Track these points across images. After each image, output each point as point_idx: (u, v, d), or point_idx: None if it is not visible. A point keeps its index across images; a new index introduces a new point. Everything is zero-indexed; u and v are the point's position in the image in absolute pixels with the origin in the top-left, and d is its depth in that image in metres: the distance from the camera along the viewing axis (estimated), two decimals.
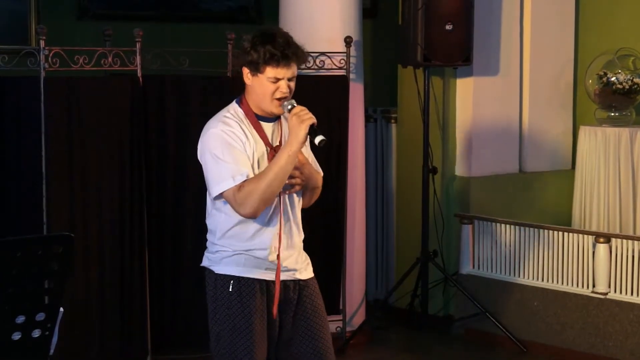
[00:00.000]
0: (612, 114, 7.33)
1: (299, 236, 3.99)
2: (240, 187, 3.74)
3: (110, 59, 5.52)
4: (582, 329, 6.28)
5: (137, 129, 5.62)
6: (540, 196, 7.39)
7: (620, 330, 6.11)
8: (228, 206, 3.84)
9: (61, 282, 3.08)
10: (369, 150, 7.40)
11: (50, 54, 5.26)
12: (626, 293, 6.12)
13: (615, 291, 6.17)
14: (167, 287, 5.86)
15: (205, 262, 3.97)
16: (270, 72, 3.81)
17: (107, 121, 5.51)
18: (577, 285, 6.32)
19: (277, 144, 3.90)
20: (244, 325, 3.85)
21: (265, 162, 3.84)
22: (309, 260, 4.06)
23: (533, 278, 6.53)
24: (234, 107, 3.92)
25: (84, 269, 5.40)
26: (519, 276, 6.59)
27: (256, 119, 3.89)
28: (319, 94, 6.33)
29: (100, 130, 5.48)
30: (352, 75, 6.46)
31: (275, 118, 3.94)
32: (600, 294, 6.20)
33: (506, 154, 7.32)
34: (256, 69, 3.82)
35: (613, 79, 7.20)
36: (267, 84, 3.83)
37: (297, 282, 3.97)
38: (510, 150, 7.34)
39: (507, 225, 6.67)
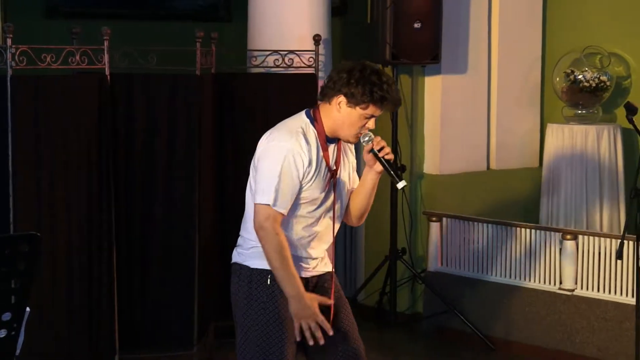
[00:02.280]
0: (579, 112, 7.38)
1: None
2: (274, 217, 3.77)
3: (77, 58, 5.49)
4: (549, 326, 6.32)
5: (105, 127, 5.60)
6: (508, 194, 7.43)
7: (587, 327, 6.16)
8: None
9: (28, 281, 3.06)
10: None
11: (17, 52, 5.22)
12: (593, 290, 6.16)
13: (582, 288, 6.21)
14: (135, 286, 5.85)
15: (237, 259, 3.98)
16: (371, 110, 3.82)
17: (75, 120, 5.48)
18: (545, 282, 6.37)
19: (335, 167, 3.92)
20: (277, 318, 3.88)
21: (322, 183, 3.87)
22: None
23: (501, 275, 6.56)
24: (306, 122, 3.88)
25: (52, 268, 5.38)
26: (487, 273, 6.63)
27: (325, 140, 3.88)
28: (288, 92, 6.34)
29: (68, 128, 5.45)
30: (320, 74, 6.47)
31: (337, 139, 3.95)
32: (567, 290, 6.24)
33: (474, 151, 7.35)
34: (356, 103, 3.81)
35: (580, 77, 7.24)
36: (360, 119, 3.84)
37: (321, 275, 4.05)
38: (478, 148, 7.37)
39: (475, 223, 6.71)
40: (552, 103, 7.62)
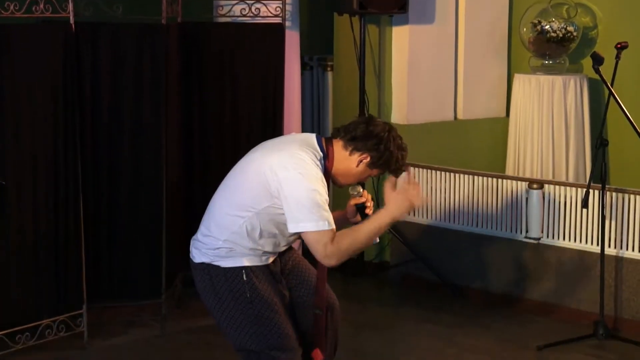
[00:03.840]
0: (546, 62, 7.40)
1: None
2: (329, 238, 3.77)
3: (42, 6, 5.41)
4: (515, 274, 6.37)
5: (70, 76, 5.54)
6: (475, 143, 7.46)
7: (553, 275, 6.22)
8: (262, 220, 3.87)
9: None
10: (305, 98, 7.39)
11: None
12: (558, 238, 6.22)
13: (547, 236, 6.26)
14: (103, 236, 5.83)
15: (203, 258, 3.95)
16: (381, 173, 3.97)
17: (40, 69, 5.42)
18: (511, 231, 6.41)
19: None
20: (268, 306, 3.90)
21: None
22: None
23: (467, 224, 6.60)
24: (320, 156, 3.89)
25: (18, 219, 5.35)
26: (454, 222, 6.67)
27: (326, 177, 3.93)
28: (255, 42, 6.30)
29: (32, 78, 5.39)
30: (288, 23, 6.43)
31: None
32: (533, 239, 6.29)
33: (441, 101, 7.36)
34: (376, 167, 3.94)
35: (547, 27, 7.26)
36: (367, 176, 3.98)
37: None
38: (445, 97, 7.38)
39: (443, 172, 6.73)
40: (519, 53, 7.63)
